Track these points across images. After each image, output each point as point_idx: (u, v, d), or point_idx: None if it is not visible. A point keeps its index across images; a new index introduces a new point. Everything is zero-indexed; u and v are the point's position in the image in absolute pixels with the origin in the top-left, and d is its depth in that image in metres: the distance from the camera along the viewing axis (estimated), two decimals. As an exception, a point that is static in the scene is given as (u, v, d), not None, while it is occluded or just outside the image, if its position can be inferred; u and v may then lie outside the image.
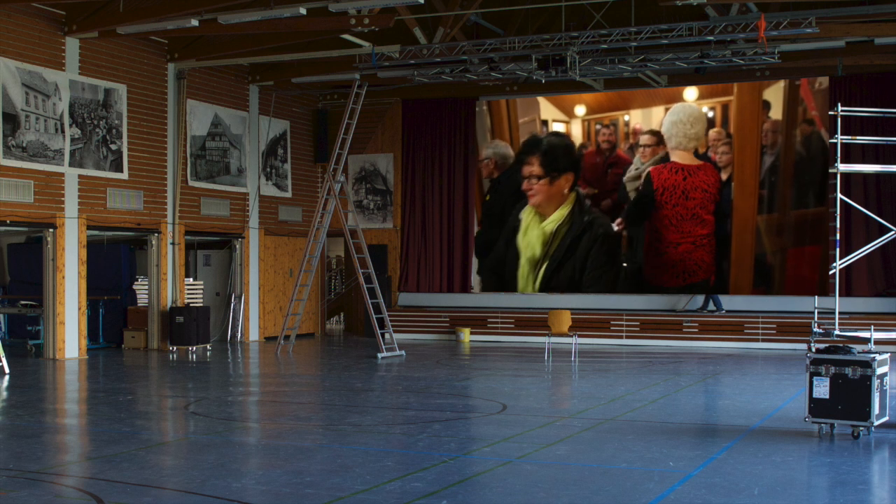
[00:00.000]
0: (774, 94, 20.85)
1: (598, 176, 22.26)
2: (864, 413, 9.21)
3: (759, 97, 20.96)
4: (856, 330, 10.82)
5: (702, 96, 21.42)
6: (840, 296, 13.19)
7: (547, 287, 22.30)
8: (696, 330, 20.48)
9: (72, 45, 17.28)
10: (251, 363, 17.65)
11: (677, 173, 21.20)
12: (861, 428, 9.34)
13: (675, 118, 21.40)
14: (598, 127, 22.22)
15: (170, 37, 18.74)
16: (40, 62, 16.71)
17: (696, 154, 21.17)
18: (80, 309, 17.51)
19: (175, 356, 17.97)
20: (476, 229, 23.09)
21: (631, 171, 22.07)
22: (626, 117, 22.06)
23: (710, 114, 21.36)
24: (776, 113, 20.85)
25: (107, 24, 16.75)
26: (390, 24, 16.39)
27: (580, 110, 22.33)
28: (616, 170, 22.28)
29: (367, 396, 12.79)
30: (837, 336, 10.63)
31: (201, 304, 19.81)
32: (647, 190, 21.55)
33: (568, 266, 22.10)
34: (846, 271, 18.96)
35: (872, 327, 10.20)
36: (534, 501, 6.96)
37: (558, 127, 22.53)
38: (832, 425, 9.56)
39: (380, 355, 17.58)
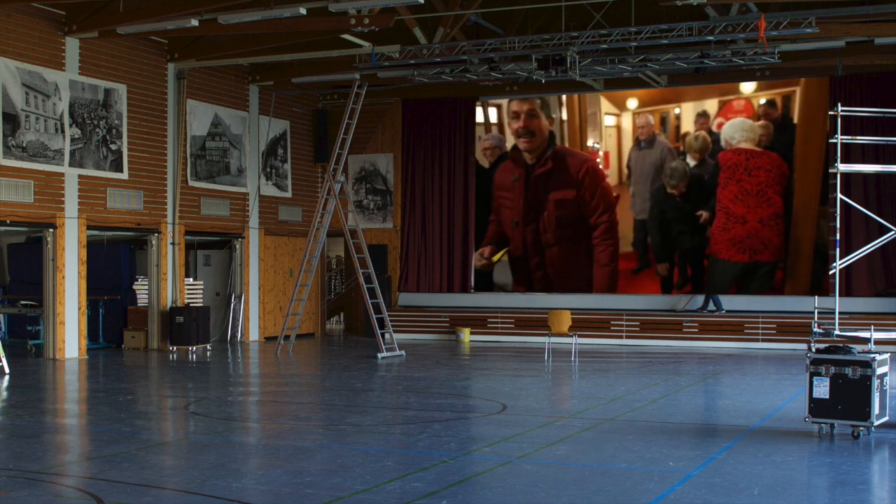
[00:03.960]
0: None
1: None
2: (864, 413, 9.21)
3: (826, 88, 20.62)
4: (856, 330, 10.83)
5: (761, 88, 21.25)
6: (840, 296, 13.19)
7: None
8: (696, 330, 20.48)
9: (72, 45, 17.28)
10: (251, 363, 17.65)
11: (741, 154, 21.29)
12: (861, 428, 9.34)
13: (732, 132, 21.40)
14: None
15: (170, 37, 18.74)
16: (40, 62, 16.71)
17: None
18: (80, 309, 17.50)
19: (175, 356, 17.97)
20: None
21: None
22: (677, 110, 22.01)
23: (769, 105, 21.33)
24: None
25: (107, 24, 16.75)
26: (390, 24, 16.39)
27: (632, 103, 22.31)
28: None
29: (367, 396, 12.79)
30: (837, 336, 10.63)
31: (201, 304, 19.81)
32: (714, 172, 21.50)
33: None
34: (846, 271, 18.96)
35: (872, 327, 10.20)
36: (534, 501, 6.96)
37: (609, 121, 22.55)
38: (832, 425, 9.56)
39: (380, 355, 17.58)
